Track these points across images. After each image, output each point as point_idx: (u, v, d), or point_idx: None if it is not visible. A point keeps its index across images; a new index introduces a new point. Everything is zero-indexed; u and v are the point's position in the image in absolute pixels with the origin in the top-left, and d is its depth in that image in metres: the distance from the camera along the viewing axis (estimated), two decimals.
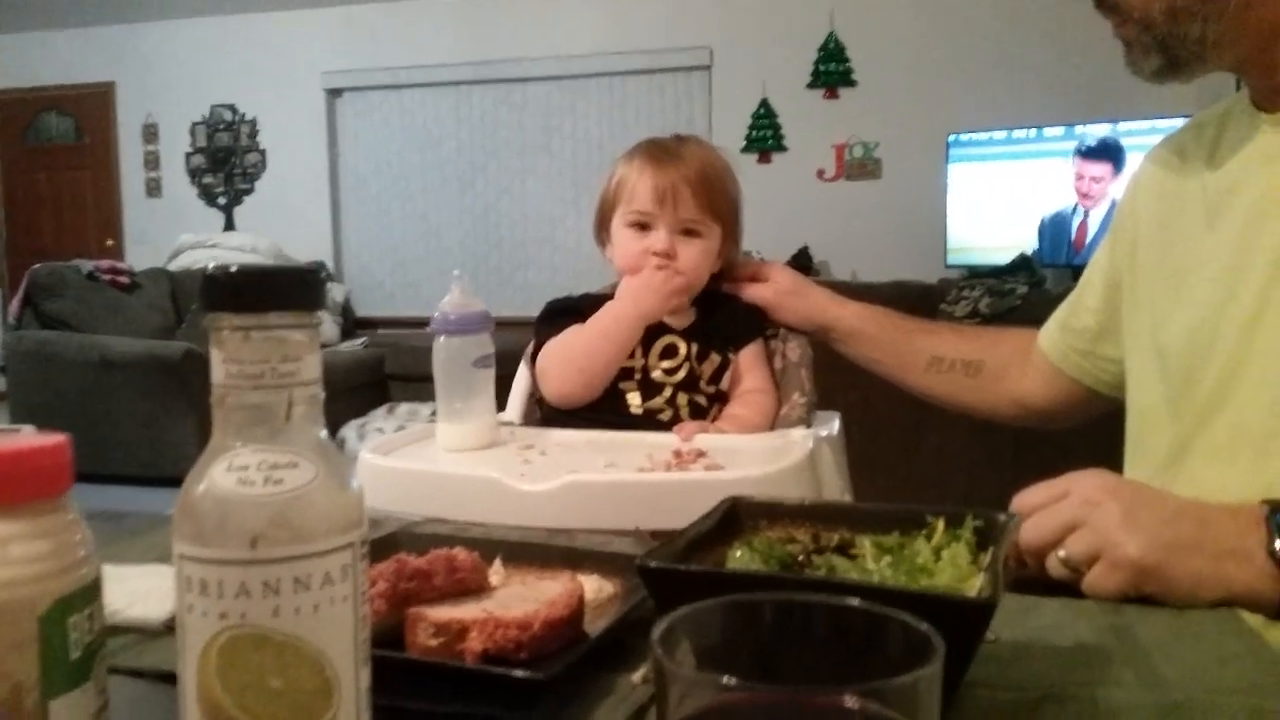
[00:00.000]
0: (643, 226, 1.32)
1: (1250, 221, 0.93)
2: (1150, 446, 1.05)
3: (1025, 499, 0.81)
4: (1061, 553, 0.76)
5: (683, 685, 0.35)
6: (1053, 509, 0.78)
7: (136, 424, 4.55)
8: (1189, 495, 0.90)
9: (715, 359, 1.32)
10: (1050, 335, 1.26)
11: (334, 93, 6.79)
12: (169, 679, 0.58)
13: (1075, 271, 4.56)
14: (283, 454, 0.43)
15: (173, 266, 6.12)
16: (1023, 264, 3.55)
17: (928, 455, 3.00)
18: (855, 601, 0.40)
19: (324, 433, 0.45)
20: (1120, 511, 0.75)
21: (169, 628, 0.66)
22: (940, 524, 0.63)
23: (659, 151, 1.34)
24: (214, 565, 0.41)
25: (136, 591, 0.69)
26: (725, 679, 0.33)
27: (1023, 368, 1.29)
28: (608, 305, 1.31)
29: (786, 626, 0.41)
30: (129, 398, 4.58)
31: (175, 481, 0.43)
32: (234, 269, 0.43)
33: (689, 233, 1.31)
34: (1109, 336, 1.16)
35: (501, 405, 1.31)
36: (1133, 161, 4.49)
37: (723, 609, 0.41)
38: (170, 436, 4.47)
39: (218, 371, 0.43)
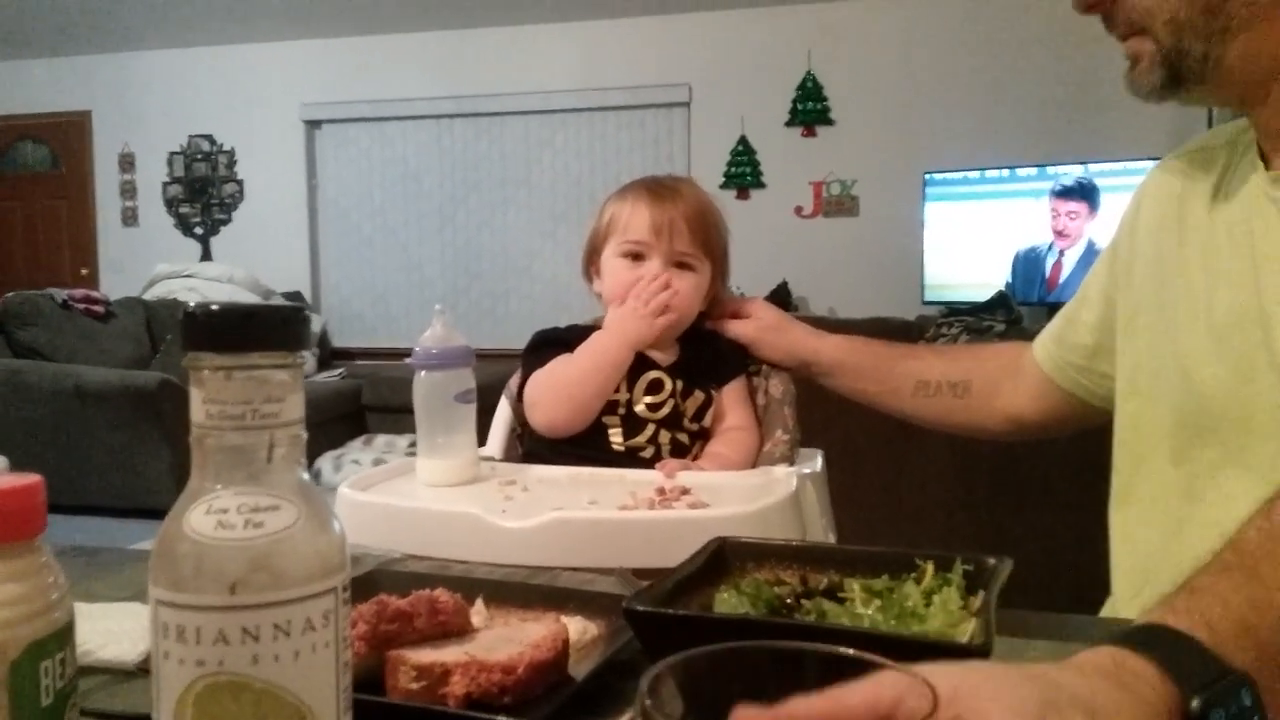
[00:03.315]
0: (636, 257, 1.32)
1: (1241, 279, 0.93)
2: (1145, 480, 1.04)
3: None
4: None
5: None
6: None
7: (110, 454, 4.48)
8: (1198, 512, 0.88)
9: (699, 396, 1.31)
10: (1046, 349, 1.25)
11: (313, 124, 6.79)
12: None
13: (1049, 309, 4.59)
14: (264, 496, 0.42)
15: (148, 296, 6.07)
16: (1000, 301, 3.58)
17: (908, 492, 3.00)
18: (848, 650, 0.39)
19: (305, 474, 0.44)
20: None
21: (143, 669, 0.64)
22: (929, 567, 0.62)
23: (656, 186, 1.35)
24: (191, 611, 0.40)
25: (110, 631, 0.67)
26: None
27: (1014, 383, 1.28)
28: (596, 334, 1.30)
29: (778, 674, 0.40)
30: (102, 428, 4.52)
31: (149, 513, 0.42)
32: (215, 307, 0.42)
33: (682, 265, 1.32)
34: (1106, 354, 1.14)
35: (481, 439, 1.30)
36: (1108, 202, 4.54)
37: (712, 657, 0.40)
38: (144, 467, 4.41)
39: (198, 412, 0.42)
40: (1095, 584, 1.14)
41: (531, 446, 1.34)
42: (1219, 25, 0.88)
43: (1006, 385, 1.29)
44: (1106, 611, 1.10)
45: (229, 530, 0.40)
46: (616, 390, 1.28)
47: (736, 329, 1.38)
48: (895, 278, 5.39)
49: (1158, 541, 1.00)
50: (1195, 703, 0.49)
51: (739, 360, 1.38)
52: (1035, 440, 1.33)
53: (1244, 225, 0.95)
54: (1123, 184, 4.52)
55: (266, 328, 0.42)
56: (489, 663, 0.57)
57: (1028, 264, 4.80)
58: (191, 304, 0.42)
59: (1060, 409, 1.24)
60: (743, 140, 6.02)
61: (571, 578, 0.88)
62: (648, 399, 1.29)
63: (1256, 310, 0.91)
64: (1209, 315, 0.96)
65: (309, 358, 6.02)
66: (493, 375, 1.46)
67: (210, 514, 0.41)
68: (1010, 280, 4.74)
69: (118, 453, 4.49)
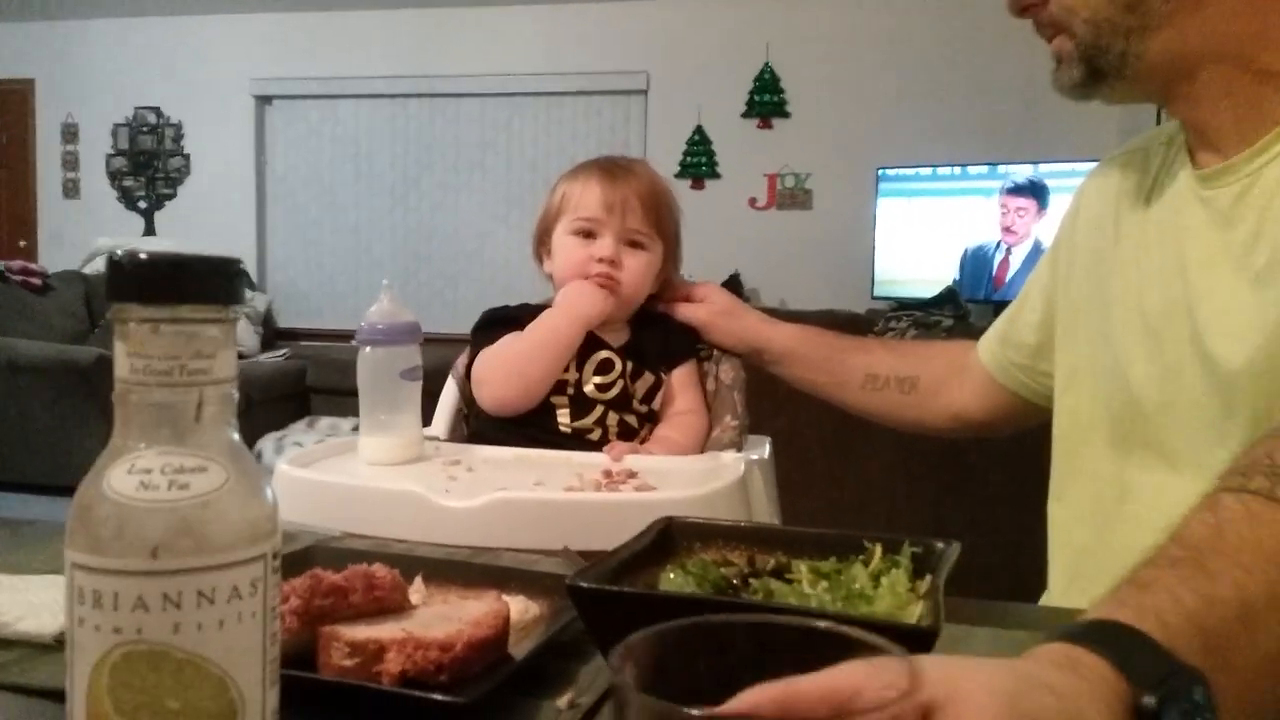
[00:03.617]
0: (588, 235, 1.30)
1: (1172, 274, 0.94)
2: (1080, 472, 1.05)
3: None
4: None
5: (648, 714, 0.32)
6: None
7: (43, 430, 4.38)
8: (1130, 508, 0.89)
9: (649, 378, 1.30)
10: (989, 348, 1.26)
11: (264, 99, 6.66)
12: (58, 697, 0.54)
13: (996, 306, 4.65)
14: (190, 457, 0.40)
15: (88, 270, 5.92)
16: (949, 296, 3.61)
17: (852, 482, 3.02)
18: (823, 624, 0.38)
19: (236, 435, 0.42)
20: None
21: (60, 642, 0.61)
22: (878, 550, 0.61)
23: (610, 165, 1.33)
24: (109, 576, 0.38)
25: (29, 604, 0.64)
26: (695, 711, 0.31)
27: (959, 381, 1.29)
28: (546, 313, 1.29)
29: (750, 649, 0.39)
30: (37, 403, 4.40)
31: None
32: (144, 255, 0.39)
33: (634, 244, 1.31)
34: (1048, 353, 1.16)
35: (426, 422, 1.28)
36: (1056, 201, 4.60)
37: (685, 631, 0.39)
38: (78, 444, 4.31)
39: (121, 366, 0.40)
40: (1034, 577, 1.15)
41: (478, 426, 1.32)
42: (1138, 22, 0.89)
43: (952, 383, 1.30)
44: (1044, 604, 1.11)
45: (152, 491, 0.38)
46: (566, 370, 1.27)
47: (689, 312, 1.37)
48: (846, 271, 5.42)
49: (1091, 536, 1.02)
50: (1148, 699, 0.47)
51: (689, 344, 1.38)
52: (978, 437, 1.35)
53: (1173, 222, 0.96)
54: (1072, 185, 4.56)
55: (198, 279, 0.40)
56: (426, 640, 0.56)
57: (976, 261, 4.85)
58: (117, 252, 0.39)
59: (1003, 407, 1.25)
60: (699, 130, 6.01)
61: (514, 558, 0.87)
62: (597, 379, 1.28)
63: (1184, 308, 0.92)
64: (1141, 313, 0.97)
65: (248, 329, 5.92)
66: (440, 359, 1.44)
67: (132, 474, 0.39)
68: (958, 277, 4.78)
69: (51, 429, 4.39)
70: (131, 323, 0.39)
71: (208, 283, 0.40)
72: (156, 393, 0.39)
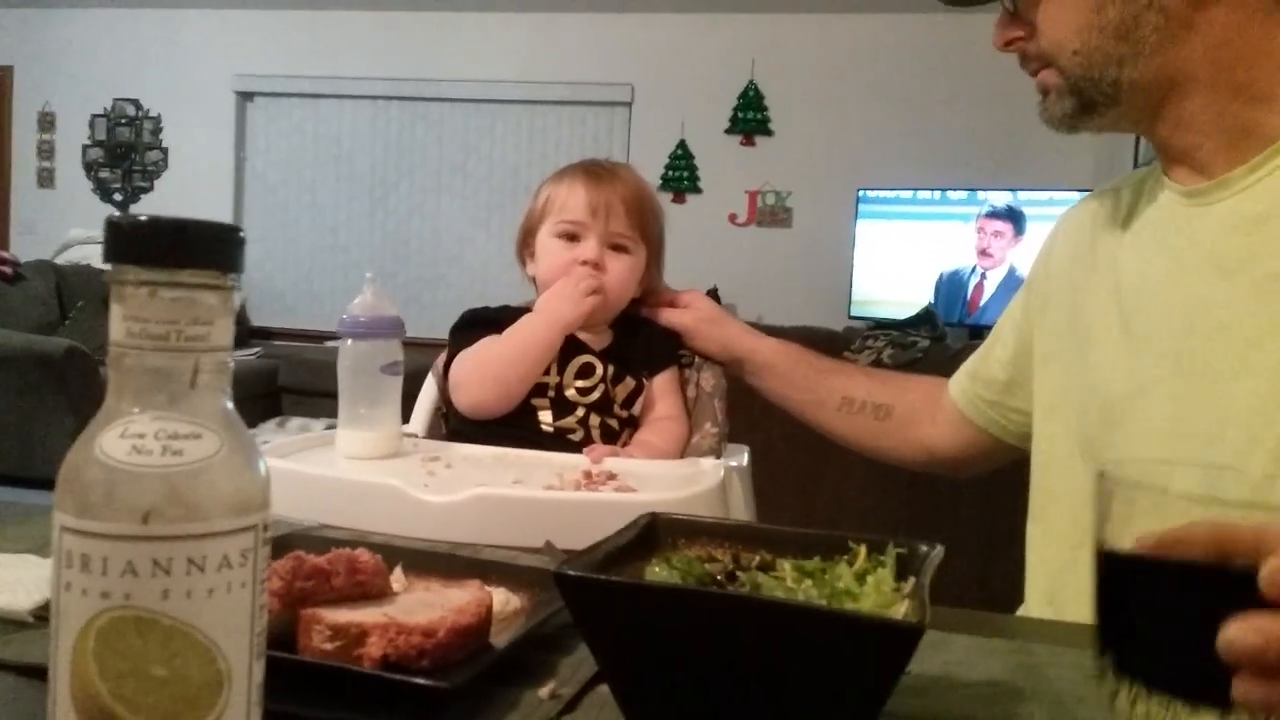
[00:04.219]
0: (572, 238, 1.30)
1: (1157, 295, 0.95)
2: (1055, 504, 1.06)
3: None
4: None
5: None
6: None
7: (10, 421, 4.31)
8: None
9: (630, 383, 1.30)
10: (960, 384, 1.27)
11: (245, 96, 6.62)
12: (33, 672, 0.54)
13: (970, 330, 4.69)
14: (184, 423, 0.39)
15: (60, 260, 5.86)
16: (926, 317, 3.63)
17: (824, 499, 3.03)
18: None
19: (230, 404, 0.41)
20: None
21: (37, 618, 0.60)
22: (862, 550, 0.61)
23: (594, 168, 1.33)
24: (99, 539, 0.37)
25: (3, 580, 0.63)
26: None
27: (932, 415, 1.30)
28: (525, 316, 1.28)
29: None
30: (4, 393, 4.34)
31: (47, 483, 0.39)
32: (144, 218, 0.39)
33: (617, 248, 1.30)
34: (1017, 389, 1.18)
35: (405, 420, 1.27)
36: (1033, 229, 4.65)
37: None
38: (45, 436, 4.25)
39: (117, 330, 0.39)
40: (1004, 596, 1.16)
41: (458, 425, 1.32)
42: (1130, 50, 0.91)
43: (925, 416, 1.31)
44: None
45: (145, 456, 0.38)
46: (547, 372, 1.27)
47: (673, 317, 1.37)
48: (824, 290, 5.45)
49: (1068, 555, 1.03)
50: None
51: (671, 350, 1.38)
52: (946, 474, 1.35)
53: (1159, 241, 0.98)
54: (1049, 214, 4.63)
55: (199, 244, 0.39)
56: (409, 625, 0.55)
57: (951, 285, 4.88)
58: (116, 214, 0.39)
59: (972, 444, 1.27)
60: (682, 144, 6.03)
61: (494, 554, 0.86)
62: (579, 383, 1.28)
63: (1179, 322, 0.93)
64: (1123, 329, 0.98)
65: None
66: (418, 363, 1.43)
67: (125, 438, 0.38)
68: (933, 300, 4.81)
69: (18, 420, 4.32)
70: (129, 285, 0.39)
71: (209, 248, 0.39)
72: (152, 357, 0.39)
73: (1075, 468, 1.03)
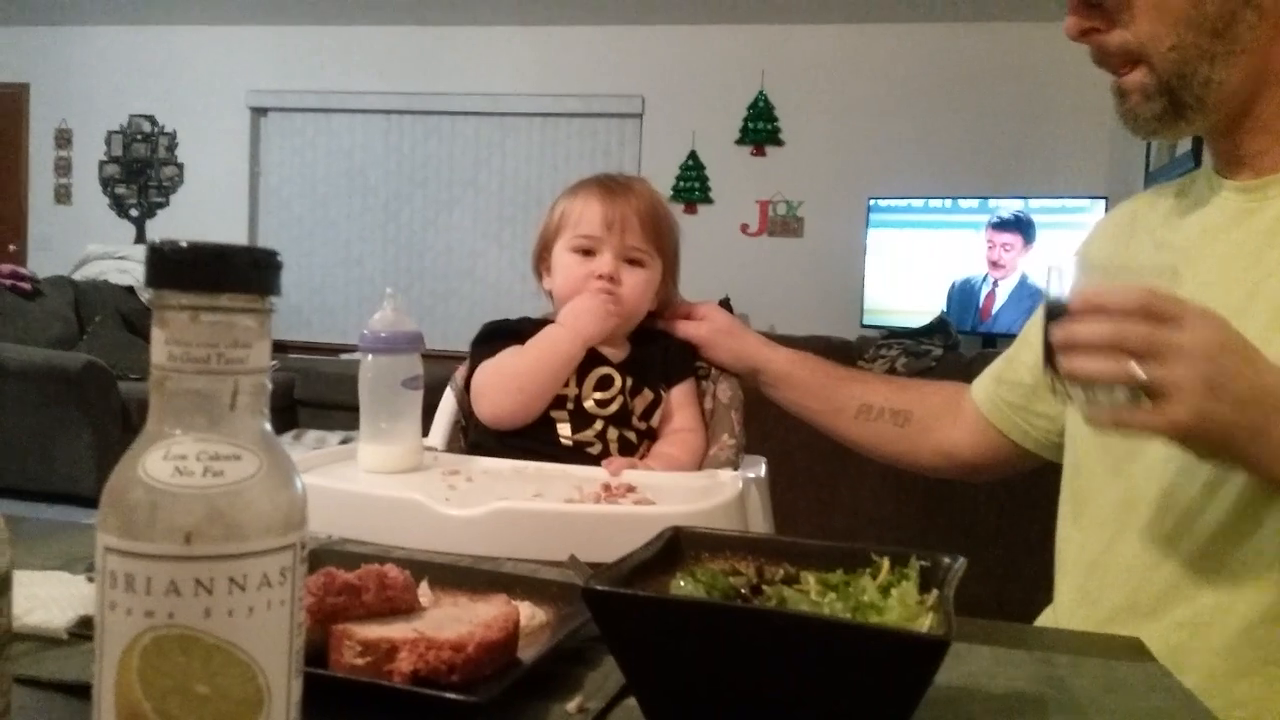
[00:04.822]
0: (587, 252, 1.31)
1: (1213, 282, 0.94)
2: (1092, 501, 1.06)
3: (1119, 297, 0.77)
4: (1139, 374, 0.75)
5: None
6: (1155, 329, 0.75)
7: (28, 436, 4.34)
8: (1135, 548, 0.91)
9: (648, 395, 1.30)
10: (984, 388, 1.27)
11: (259, 111, 6.67)
12: (70, 690, 0.54)
13: (984, 338, 4.68)
14: (225, 445, 0.40)
15: (78, 276, 5.90)
16: (939, 326, 3.62)
17: (841, 507, 3.02)
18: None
19: (268, 425, 0.42)
20: (1207, 378, 0.75)
21: (73, 635, 0.61)
22: (885, 563, 0.62)
23: (609, 182, 1.34)
24: (143, 560, 0.38)
25: (36, 597, 0.64)
26: None
27: (952, 420, 1.30)
28: (548, 328, 1.29)
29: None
30: (22, 408, 4.37)
31: (65, 498, 0.40)
32: (184, 244, 0.40)
33: (633, 261, 1.31)
34: (1043, 395, 1.18)
35: (424, 433, 1.28)
36: (1043, 237, 4.65)
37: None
38: (63, 451, 4.28)
39: (159, 353, 0.40)
40: (1022, 604, 1.16)
41: (477, 438, 1.32)
42: (1224, 47, 0.90)
43: (945, 420, 1.31)
44: (1048, 617, 1.12)
45: (187, 477, 0.39)
46: (566, 385, 1.27)
47: (690, 329, 1.38)
48: (836, 300, 5.45)
49: (1102, 551, 1.02)
50: None
51: (688, 362, 1.38)
52: (963, 480, 1.35)
53: (1211, 232, 0.97)
54: (1061, 221, 4.63)
55: (238, 269, 0.40)
56: (438, 640, 0.56)
57: (963, 294, 4.88)
58: (158, 239, 0.40)
59: (991, 449, 1.26)
60: (693, 155, 6.05)
61: (517, 567, 0.87)
62: (597, 395, 1.28)
63: (1233, 307, 0.93)
64: None
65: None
66: (432, 376, 1.44)
67: (168, 459, 0.39)
68: (945, 309, 4.81)
69: (36, 435, 4.35)
70: (171, 310, 0.40)
71: (248, 273, 0.40)
72: (193, 380, 0.40)
73: (1102, 476, 1.03)
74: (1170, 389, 0.75)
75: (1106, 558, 1.01)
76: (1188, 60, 0.91)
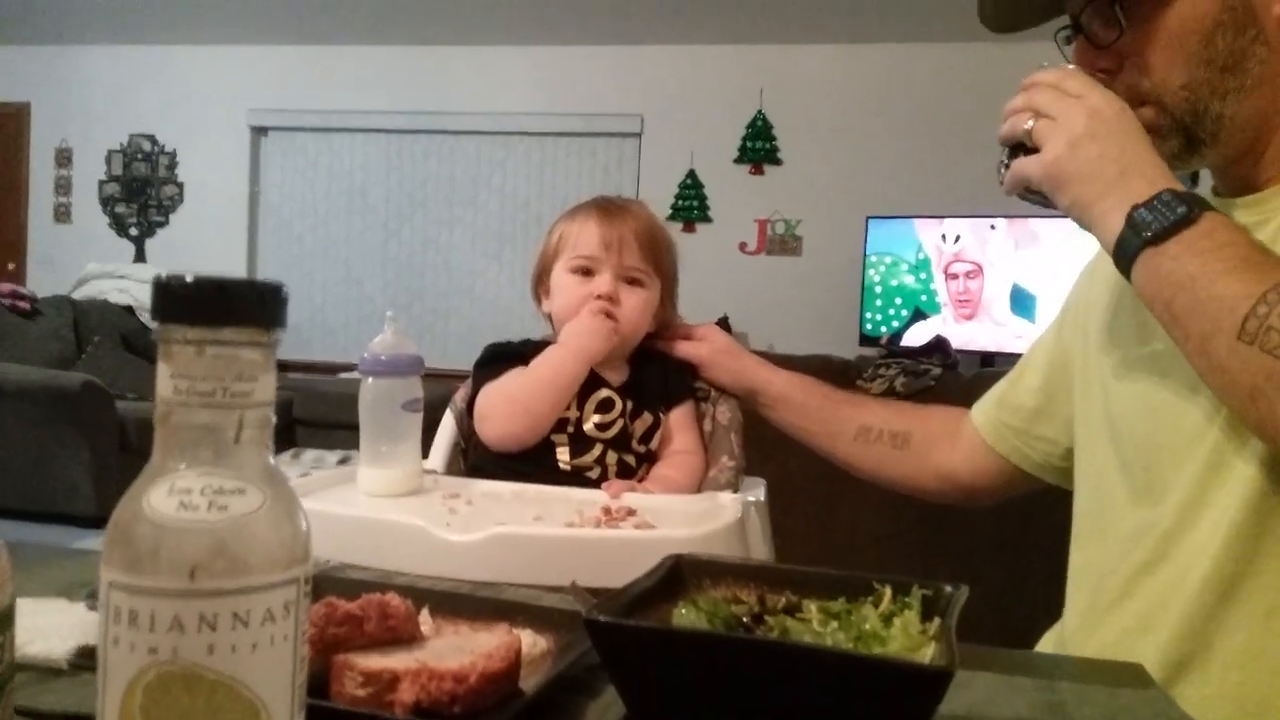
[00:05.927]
0: (586, 273, 1.32)
1: None
2: (1110, 525, 1.05)
3: (1048, 74, 0.94)
4: (1027, 124, 0.92)
5: None
6: (1058, 97, 0.91)
7: (26, 455, 4.32)
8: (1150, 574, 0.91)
9: (648, 418, 1.31)
10: (985, 411, 1.27)
11: (259, 130, 6.69)
12: None
13: (983, 358, 4.69)
14: (229, 479, 0.40)
15: (77, 295, 5.90)
16: (938, 345, 3.63)
17: (840, 530, 3.02)
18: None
19: (272, 459, 0.42)
20: (1076, 135, 0.88)
21: (73, 665, 0.61)
22: (887, 591, 0.62)
23: (606, 204, 1.35)
24: (146, 595, 0.38)
25: (37, 627, 0.64)
26: None
27: (952, 443, 1.30)
28: (549, 349, 1.29)
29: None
30: (20, 427, 4.36)
31: (63, 518, 0.40)
32: (190, 278, 0.40)
33: (632, 281, 1.32)
34: (1046, 418, 1.18)
35: (424, 455, 1.28)
36: (1050, 250, 4.66)
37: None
38: (61, 470, 4.26)
39: (164, 387, 0.40)
40: (1022, 627, 1.16)
41: (476, 461, 1.32)
42: (1235, 83, 0.90)
43: (944, 444, 1.31)
44: (1052, 637, 1.12)
45: (191, 512, 0.39)
46: (567, 408, 1.27)
47: (689, 350, 1.38)
48: (834, 319, 5.46)
49: (1113, 568, 1.01)
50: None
51: (687, 384, 1.38)
52: (962, 504, 1.34)
53: None
54: (1065, 231, 4.64)
55: (243, 302, 0.40)
56: (440, 670, 0.55)
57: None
58: (163, 273, 0.40)
59: (991, 472, 1.26)
60: (691, 174, 6.07)
61: (517, 593, 0.87)
62: (597, 418, 1.28)
63: None
64: (1154, 346, 0.97)
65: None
66: (431, 395, 1.44)
67: (172, 494, 0.39)
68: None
69: (34, 454, 4.34)
70: (176, 343, 0.40)
71: (253, 306, 0.40)
72: (198, 413, 0.40)
73: (1120, 500, 1.02)
74: (1041, 140, 0.90)
75: (1118, 581, 1.00)
76: (1200, 98, 0.91)
